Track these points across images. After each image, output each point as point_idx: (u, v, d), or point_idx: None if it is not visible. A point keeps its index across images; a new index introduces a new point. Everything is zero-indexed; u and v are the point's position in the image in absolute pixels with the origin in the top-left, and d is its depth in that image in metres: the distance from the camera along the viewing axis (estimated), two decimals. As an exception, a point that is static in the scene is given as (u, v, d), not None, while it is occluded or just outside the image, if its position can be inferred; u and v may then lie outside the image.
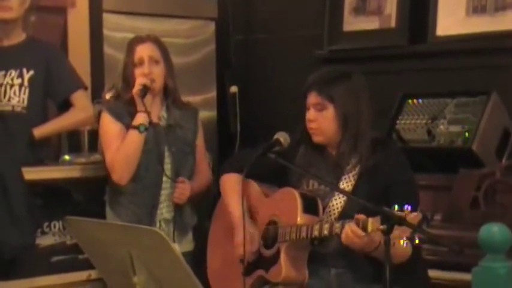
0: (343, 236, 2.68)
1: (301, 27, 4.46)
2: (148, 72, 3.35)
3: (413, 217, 2.43)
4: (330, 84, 2.92)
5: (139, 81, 3.33)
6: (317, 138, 2.94)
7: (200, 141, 3.54)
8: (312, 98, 2.92)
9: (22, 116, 3.60)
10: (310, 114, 2.93)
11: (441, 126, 3.62)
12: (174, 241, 3.35)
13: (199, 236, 3.49)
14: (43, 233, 3.61)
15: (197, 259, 3.30)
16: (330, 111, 2.90)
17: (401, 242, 2.43)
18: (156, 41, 3.44)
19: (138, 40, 3.42)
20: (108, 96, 3.47)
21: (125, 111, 3.38)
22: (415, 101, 3.77)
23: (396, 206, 2.46)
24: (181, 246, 3.38)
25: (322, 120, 2.91)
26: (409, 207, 2.44)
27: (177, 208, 3.43)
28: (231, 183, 3.10)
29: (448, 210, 3.35)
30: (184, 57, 4.50)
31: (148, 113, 3.32)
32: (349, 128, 2.89)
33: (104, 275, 2.58)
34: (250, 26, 4.73)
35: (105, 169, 3.42)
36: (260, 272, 2.96)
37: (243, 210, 2.96)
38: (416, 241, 2.41)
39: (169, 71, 3.43)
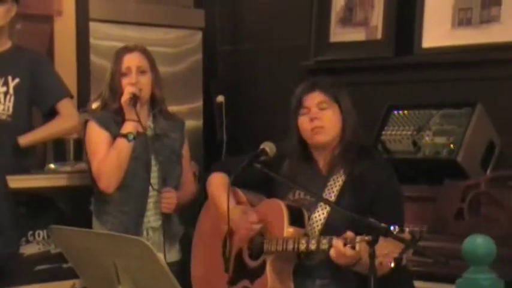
0: (331, 253, 2.67)
1: (287, 38, 4.47)
2: (135, 81, 3.36)
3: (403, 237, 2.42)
4: (334, 84, 2.97)
5: (128, 90, 3.34)
6: (320, 138, 2.93)
7: (186, 152, 3.55)
8: (316, 97, 2.92)
9: (7, 124, 3.58)
10: (313, 113, 2.92)
11: (426, 138, 3.63)
12: (164, 250, 3.36)
13: (186, 245, 3.48)
14: (27, 241, 3.59)
15: (184, 269, 3.29)
16: (334, 110, 2.92)
17: (392, 266, 2.42)
18: (144, 51, 3.45)
19: (126, 50, 3.43)
20: (94, 106, 3.47)
21: (112, 121, 3.38)
22: (400, 112, 3.79)
23: (383, 226, 2.44)
24: (169, 256, 3.39)
25: (325, 119, 2.91)
26: (397, 227, 2.43)
27: (165, 217, 3.42)
28: (219, 180, 3.09)
29: (433, 221, 3.36)
30: (171, 66, 4.50)
31: (140, 122, 3.32)
32: (347, 131, 2.91)
33: (89, 284, 2.57)
34: (237, 36, 4.74)
35: (91, 178, 3.41)
36: (245, 283, 2.95)
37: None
38: (404, 262, 2.41)
39: (157, 81, 3.44)
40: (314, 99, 2.93)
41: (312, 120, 2.92)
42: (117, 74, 3.39)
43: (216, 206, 3.06)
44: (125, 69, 3.38)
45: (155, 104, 3.46)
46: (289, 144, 3.01)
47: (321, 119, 2.91)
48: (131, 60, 3.39)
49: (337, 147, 2.95)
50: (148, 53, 3.46)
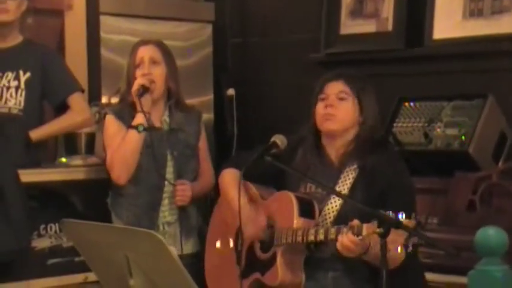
0: (338, 245, 2.67)
1: (298, 30, 4.46)
2: (147, 72, 3.38)
3: (407, 224, 2.42)
4: (357, 78, 2.98)
5: (138, 81, 3.36)
6: (331, 125, 2.93)
7: (203, 144, 3.56)
8: (338, 86, 2.94)
9: (19, 119, 3.60)
10: (330, 100, 2.93)
11: (438, 129, 3.62)
12: (181, 243, 3.37)
13: (204, 238, 3.48)
14: (39, 235, 3.61)
15: (201, 261, 3.30)
16: (352, 103, 2.93)
17: (400, 249, 2.42)
18: (159, 43, 3.48)
19: (141, 43, 3.47)
20: (114, 100, 3.49)
21: (128, 114, 3.40)
22: (411, 104, 3.78)
23: (390, 214, 2.44)
24: (188, 248, 3.42)
25: (341, 108, 2.92)
26: (403, 215, 2.43)
27: (182, 210, 3.43)
28: (231, 176, 3.09)
29: (445, 213, 3.35)
30: (181, 60, 4.49)
31: (144, 113, 3.33)
32: (365, 128, 2.91)
33: (101, 278, 2.57)
34: (247, 29, 4.73)
35: (107, 171, 3.44)
36: (256, 275, 2.96)
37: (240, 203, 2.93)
38: (410, 249, 2.41)
39: (172, 74, 3.45)
40: (335, 87, 2.94)
41: (326, 106, 2.93)
42: (131, 66, 3.42)
43: (228, 202, 3.07)
44: (139, 60, 3.41)
45: (171, 97, 3.47)
46: (303, 132, 3.01)
47: (335, 107, 2.92)
48: (145, 52, 3.41)
49: (352, 142, 2.94)
50: (164, 46, 3.48)
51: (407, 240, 2.39)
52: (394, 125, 3.75)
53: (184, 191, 3.40)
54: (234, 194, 2.95)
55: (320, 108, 2.95)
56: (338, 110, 2.92)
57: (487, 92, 3.58)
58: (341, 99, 2.93)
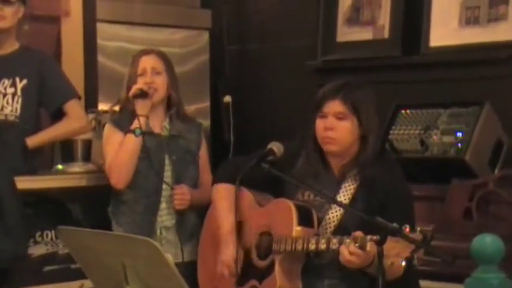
0: (341, 258, 2.66)
1: (294, 38, 4.47)
2: (150, 81, 3.42)
3: (414, 237, 2.40)
4: (355, 94, 2.87)
5: (136, 85, 3.40)
6: (331, 148, 2.89)
7: (203, 154, 3.59)
8: (336, 106, 2.85)
9: (15, 125, 3.59)
10: (329, 122, 2.86)
11: (434, 137, 3.63)
12: (181, 249, 3.39)
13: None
14: (35, 242, 3.61)
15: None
16: (351, 123, 2.85)
17: (402, 264, 2.41)
18: (160, 53, 3.52)
19: (143, 52, 3.51)
20: (115, 108, 3.51)
21: (127, 122, 3.42)
22: (408, 111, 3.78)
23: (395, 225, 2.43)
24: (186, 256, 3.42)
25: (341, 130, 2.85)
26: (408, 227, 2.41)
27: (179, 215, 3.44)
28: (224, 195, 3.08)
29: (441, 221, 3.35)
30: (178, 66, 4.47)
31: (138, 117, 3.35)
32: (367, 147, 2.86)
33: (97, 285, 2.57)
34: (244, 36, 4.74)
35: (107, 179, 3.45)
36: (253, 283, 2.95)
37: (236, 224, 2.94)
38: (415, 262, 2.40)
39: (173, 83, 3.49)
40: (333, 107, 2.86)
41: (326, 129, 2.87)
42: (133, 76, 3.46)
43: (218, 225, 3.07)
44: (141, 70, 3.45)
45: (171, 106, 3.50)
46: (304, 139, 3.00)
47: (335, 129, 2.85)
48: (147, 62, 3.46)
49: (353, 156, 2.91)
50: (165, 56, 3.52)
51: (412, 253, 2.38)
52: (391, 132, 3.76)
53: (184, 194, 3.42)
54: (224, 221, 3.01)
55: (320, 128, 2.88)
56: (338, 132, 2.85)
57: (483, 100, 3.59)
58: (340, 119, 2.85)
